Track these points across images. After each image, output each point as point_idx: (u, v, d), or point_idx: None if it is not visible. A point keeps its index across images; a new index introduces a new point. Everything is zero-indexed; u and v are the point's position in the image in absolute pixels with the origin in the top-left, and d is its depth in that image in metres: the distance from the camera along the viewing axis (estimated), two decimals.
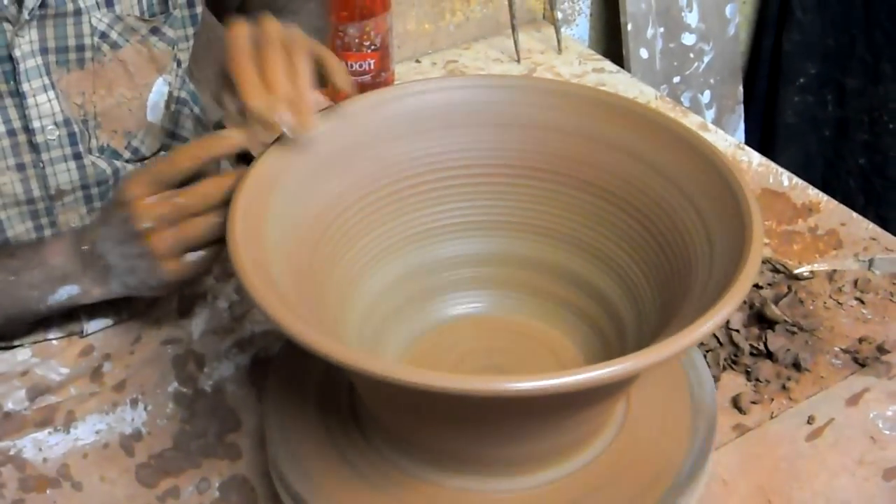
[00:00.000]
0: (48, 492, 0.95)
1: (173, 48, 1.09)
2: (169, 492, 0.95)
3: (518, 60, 1.72)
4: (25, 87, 0.97)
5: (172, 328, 1.10)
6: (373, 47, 1.52)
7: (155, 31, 1.06)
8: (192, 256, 0.91)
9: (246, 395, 1.03)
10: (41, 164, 1.01)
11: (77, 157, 1.03)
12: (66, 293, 0.95)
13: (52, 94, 0.99)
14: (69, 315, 1.07)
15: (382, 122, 0.89)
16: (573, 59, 1.72)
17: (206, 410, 1.01)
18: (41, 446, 0.98)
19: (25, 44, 0.96)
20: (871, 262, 1.19)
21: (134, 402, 1.02)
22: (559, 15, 1.79)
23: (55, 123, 1.00)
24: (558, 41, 1.74)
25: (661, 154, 0.84)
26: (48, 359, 1.06)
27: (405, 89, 0.91)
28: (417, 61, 1.74)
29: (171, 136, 1.14)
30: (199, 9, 1.11)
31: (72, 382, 1.04)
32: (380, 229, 0.89)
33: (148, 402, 1.02)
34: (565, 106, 0.89)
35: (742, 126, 2.15)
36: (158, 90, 1.09)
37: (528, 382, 0.63)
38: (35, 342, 1.07)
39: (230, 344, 1.08)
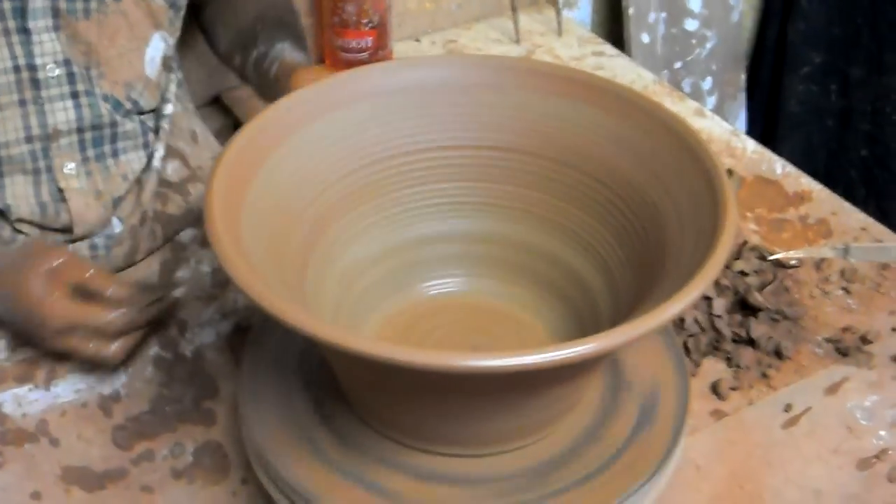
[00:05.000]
0: (26, 446, 0.96)
1: (170, 6, 1.12)
2: (143, 454, 0.95)
3: (518, 42, 1.71)
4: (31, 24, 1.01)
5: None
6: (371, 25, 1.51)
7: None
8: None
9: (225, 363, 1.04)
10: (41, 101, 1.04)
11: (74, 96, 1.05)
12: None
13: (54, 34, 1.02)
14: None
15: (364, 100, 0.89)
16: (573, 42, 1.72)
17: (185, 376, 1.02)
18: (21, 402, 1.00)
19: None
20: (846, 249, 1.18)
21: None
22: None
23: (55, 62, 1.03)
24: (559, 23, 1.73)
25: (634, 133, 0.84)
26: None
27: (385, 67, 0.91)
28: (417, 40, 1.73)
29: (162, 98, 1.16)
30: None
31: None
32: (362, 206, 0.89)
33: (128, 364, 1.03)
34: (542, 87, 0.89)
35: (744, 114, 2.15)
36: (155, 45, 1.12)
37: (491, 360, 0.62)
38: None
39: (213, 311, 1.08)
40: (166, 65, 1.16)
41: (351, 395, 0.81)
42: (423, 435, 0.78)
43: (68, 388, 1.01)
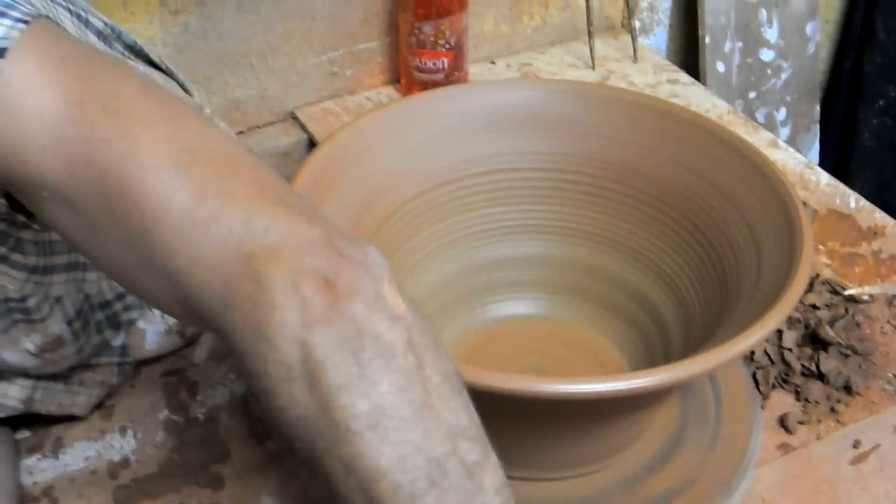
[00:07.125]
0: None
1: None
2: None
3: (593, 67, 1.71)
4: None
5: (176, 359, 1.08)
6: (447, 46, 1.52)
7: None
8: None
9: (238, 426, 1.01)
10: None
11: None
12: None
13: None
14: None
15: (438, 121, 0.90)
16: (648, 69, 1.72)
17: (197, 440, 1.00)
18: (32, 471, 0.98)
19: None
20: None
21: (123, 430, 1.01)
22: (637, 24, 1.78)
23: None
24: (634, 50, 1.73)
25: (713, 164, 0.84)
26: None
27: (460, 89, 0.92)
28: (492, 63, 1.74)
29: None
30: None
31: None
32: (434, 227, 0.90)
33: (137, 429, 1.01)
34: (617, 112, 0.89)
35: (817, 146, 2.13)
36: None
37: (566, 385, 0.63)
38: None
39: (225, 370, 1.06)
40: None
41: None
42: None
43: (78, 455, 1.00)
